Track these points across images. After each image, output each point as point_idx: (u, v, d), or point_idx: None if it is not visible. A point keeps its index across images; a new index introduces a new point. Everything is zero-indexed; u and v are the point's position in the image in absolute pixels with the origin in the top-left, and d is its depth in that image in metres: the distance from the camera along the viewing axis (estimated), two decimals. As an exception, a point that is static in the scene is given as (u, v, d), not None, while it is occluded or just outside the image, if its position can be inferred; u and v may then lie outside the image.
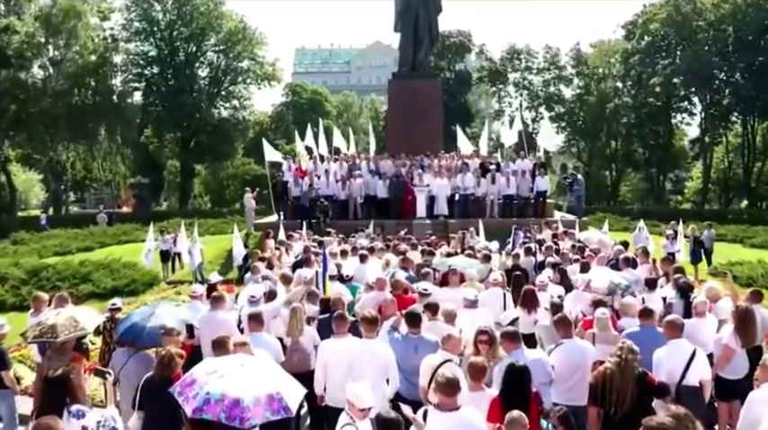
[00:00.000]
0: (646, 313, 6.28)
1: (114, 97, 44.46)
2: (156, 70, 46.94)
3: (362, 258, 10.11)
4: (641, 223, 17.10)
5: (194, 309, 7.04)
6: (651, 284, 8.11)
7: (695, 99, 46.75)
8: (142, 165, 52.60)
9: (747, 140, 45.08)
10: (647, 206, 47.03)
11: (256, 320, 6.02)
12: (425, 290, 7.17)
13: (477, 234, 15.59)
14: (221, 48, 47.40)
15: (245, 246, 15.74)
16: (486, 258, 10.57)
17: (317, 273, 9.45)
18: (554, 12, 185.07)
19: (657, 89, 45.21)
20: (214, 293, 6.81)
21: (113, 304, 7.20)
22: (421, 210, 18.70)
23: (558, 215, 19.99)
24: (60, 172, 45.36)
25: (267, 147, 20.31)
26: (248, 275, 9.75)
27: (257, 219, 22.26)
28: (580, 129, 53.55)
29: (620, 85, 50.88)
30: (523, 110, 54.94)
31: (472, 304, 7.12)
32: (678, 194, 54.23)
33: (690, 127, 51.25)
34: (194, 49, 47.03)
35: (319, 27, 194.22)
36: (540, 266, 10.73)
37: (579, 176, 20.87)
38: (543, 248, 11.33)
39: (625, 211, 38.73)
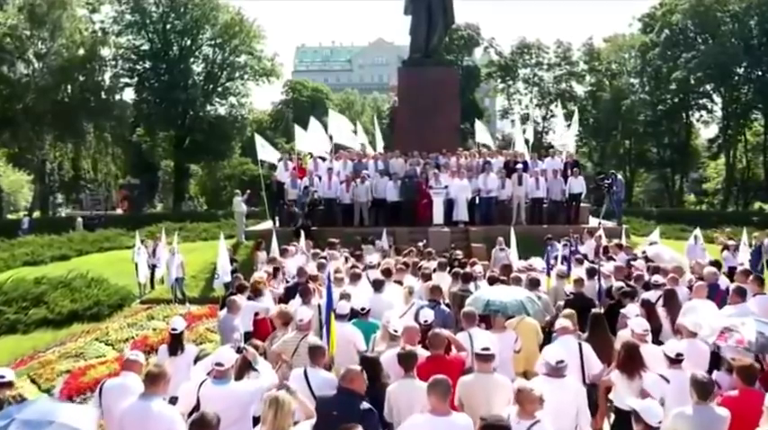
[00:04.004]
0: None
1: (103, 93, 42.04)
2: (148, 65, 44.54)
3: (377, 286, 7.62)
4: (697, 231, 14.56)
5: (120, 392, 4.42)
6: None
7: (715, 95, 44.56)
8: (135, 165, 50.19)
9: (768, 139, 42.87)
10: (665, 208, 44.64)
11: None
12: (486, 350, 4.69)
13: (508, 245, 13.15)
14: (217, 41, 44.99)
15: (233, 260, 13.24)
16: (534, 284, 8.10)
17: (318, 307, 7.01)
18: (565, 5, 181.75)
19: (677, 85, 42.89)
20: (151, 369, 4.26)
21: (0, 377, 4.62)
22: (438, 215, 16.21)
23: (593, 221, 17.56)
24: (46, 172, 42.95)
25: (260, 142, 17.75)
26: (223, 314, 7.23)
27: (251, 225, 19.86)
28: (592, 128, 51.14)
29: (634, 81, 48.61)
30: (533, 107, 52.87)
31: (556, 371, 4.67)
32: (701, 195, 51.85)
33: (706, 125, 49.18)
34: (189, 42, 44.60)
35: (320, 25, 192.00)
36: (607, 294, 8.27)
37: (619, 177, 18.36)
38: (612, 269, 8.83)
39: (645, 214, 36.21)
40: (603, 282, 8.46)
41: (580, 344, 5.77)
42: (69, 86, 40.83)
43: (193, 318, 11.52)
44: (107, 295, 12.87)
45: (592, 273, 8.52)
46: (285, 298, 8.66)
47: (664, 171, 49.83)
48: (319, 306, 7.01)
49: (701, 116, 47.33)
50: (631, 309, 6.49)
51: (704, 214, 39.68)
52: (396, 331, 5.62)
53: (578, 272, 9.05)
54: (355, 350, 6.24)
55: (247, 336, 7.21)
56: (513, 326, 6.55)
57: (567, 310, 6.37)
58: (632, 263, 9.82)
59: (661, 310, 7.37)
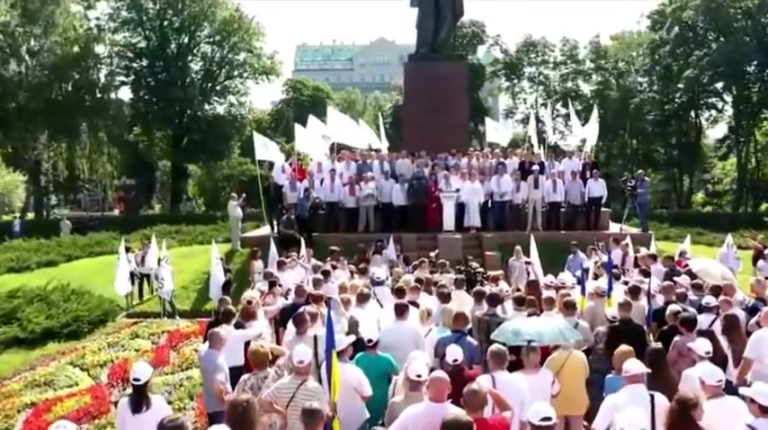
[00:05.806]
0: None
1: (98, 91, 40.96)
2: (144, 63, 43.43)
3: (399, 311, 6.38)
4: (729, 238, 13.48)
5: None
6: None
7: (725, 94, 43.45)
8: (131, 165, 49.07)
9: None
10: (673, 210, 43.48)
11: None
12: (547, 420, 3.56)
13: (527, 254, 12.01)
14: (216, 39, 43.87)
15: (227, 270, 12.14)
16: (570, 308, 6.92)
17: (315, 339, 5.84)
18: (572, 2, 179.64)
19: (686, 83, 41.74)
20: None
21: None
22: (448, 220, 15.08)
23: (614, 227, 16.42)
24: (41, 172, 41.86)
25: (260, 141, 16.57)
26: (204, 349, 6.04)
27: (248, 229, 18.72)
28: (599, 128, 49.88)
29: (642, 79, 47.48)
30: (539, 106, 51.74)
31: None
32: (710, 196, 50.78)
33: (715, 124, 48.05)
34: (186, 40, 43.48)
35: (321, 24, 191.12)
36: (654, 317, 7.12)
37: (646, 178, 17.18)
38: (659, 288, 7.69)
39: (657, 217, 35.00)
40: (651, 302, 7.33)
41: (652, 397, 4.59)
42: (63, 84, 39.77)
43: (181, 336, 10.40)
44: (88, 309, 11.67)
45: (635, 291, 7.36)
46: (281, 319, 7.54)
47: (671, 171, 48.72)
48: (315, 338, 5.83)
49: (711, 115, 46.32)
50: (701, 344, 5.29)
51: (715, 216, 38.60)
52: (419, 376, 4.47)
53: (617, 289, 7.90)
54: (359, 396, 5.13)
55: (237, 371, 6.09)
56: (561, 361, 5.44)
57: (625, 347, 5.20)
58: (675, 278, 8.66)
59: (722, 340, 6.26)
